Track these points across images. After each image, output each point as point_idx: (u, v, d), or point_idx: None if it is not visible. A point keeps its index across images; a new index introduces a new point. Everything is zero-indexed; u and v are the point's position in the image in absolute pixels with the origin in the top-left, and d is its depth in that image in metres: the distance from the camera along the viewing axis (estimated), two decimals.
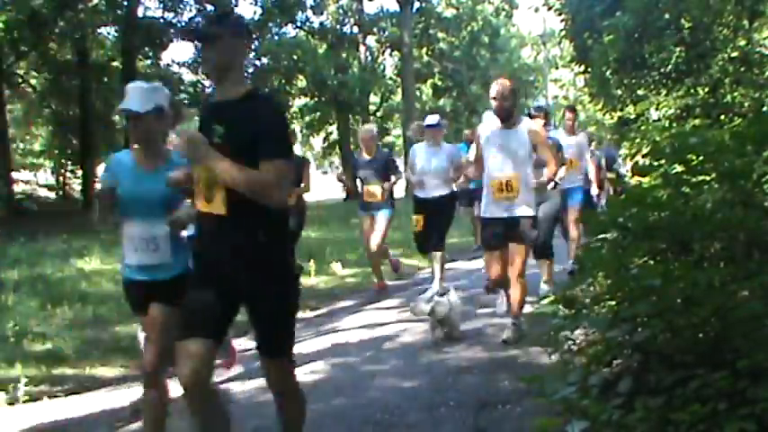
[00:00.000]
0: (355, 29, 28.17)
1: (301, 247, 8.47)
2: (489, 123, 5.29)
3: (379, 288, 7.67)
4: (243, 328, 6.21)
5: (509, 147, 5.04)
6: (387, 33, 28.77)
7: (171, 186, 2.95)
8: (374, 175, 7.28)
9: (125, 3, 20.96)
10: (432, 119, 7.39)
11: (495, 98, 5.02)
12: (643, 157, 5.84)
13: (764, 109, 7.71)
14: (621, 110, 10.71)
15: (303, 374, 4.72)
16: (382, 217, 7.35)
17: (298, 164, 7.23)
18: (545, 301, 4.56)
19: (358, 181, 7.63)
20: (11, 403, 4.28)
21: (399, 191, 9.86)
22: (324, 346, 5.47)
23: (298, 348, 5.41)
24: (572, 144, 7.56)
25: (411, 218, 7.33)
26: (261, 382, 4.58)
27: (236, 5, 23.82)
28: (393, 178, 7.39)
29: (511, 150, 5.03)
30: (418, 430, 3.62)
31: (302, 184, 7.02)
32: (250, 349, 5.51)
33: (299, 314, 6.68)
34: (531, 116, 6.49)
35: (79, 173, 22.89)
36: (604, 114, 14.00)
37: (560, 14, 12.89)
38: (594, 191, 8.62)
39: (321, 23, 27.27)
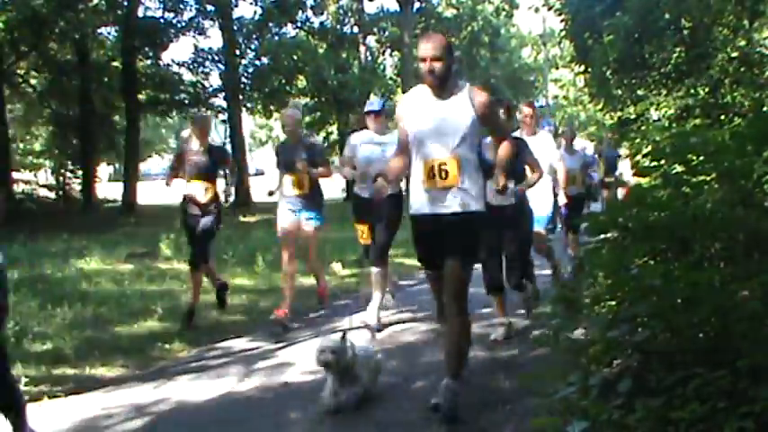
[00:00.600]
0: (355, 29, 28.17)
1: (301, 247, 8.47)
2: (416, 95, 3.89)
3: (280, 316, 5.99)
4: (241, 329, 6.25)
5: (444, 122, 3.74)
6: (387, 33, 28.80)
7: None
8: (296, 163, 6.01)
9: (125, 3, 20.97)
10: (374, 102, 6.25)
11: (423, 59, 3.72)
12: (643, 157, 5.75)
13: (764, 109, 7.71)
14: (621, 110, 10.73)
15: (303, 375, 4.73)
16: (310, 227, 6.18)
17: (220, 154, 6.45)
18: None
19: (275, 172, 6.41)
20: None
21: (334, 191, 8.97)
22: None
23: (298, 349, 5.44)
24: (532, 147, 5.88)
25: (356, 227, 6.29)
26: (260, 381, 4.61)
27: (236, 5, 23.85)
28: (321, 169, 6.16)
29: (447, 126, 3.74)
30: (418, 430, 3.61)
31: (229, 180, 6.43)
32: (250, 349, 5.52)
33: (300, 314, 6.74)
34: None
35: (79, 173, 22.90)
36: (604, 114, 14.03)
37: (560, 14, 12.93)
38: (562, 200, 7.47)
39: (321, 23, 27.29)
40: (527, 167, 5.38)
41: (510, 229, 5.33)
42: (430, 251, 3.90)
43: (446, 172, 3.74)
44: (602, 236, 3.15)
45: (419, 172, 3.83)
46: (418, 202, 3.87)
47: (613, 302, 2.94)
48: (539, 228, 6.24)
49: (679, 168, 3.17)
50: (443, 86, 3.76)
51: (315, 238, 6.33)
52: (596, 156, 13.42)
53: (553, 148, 6.78)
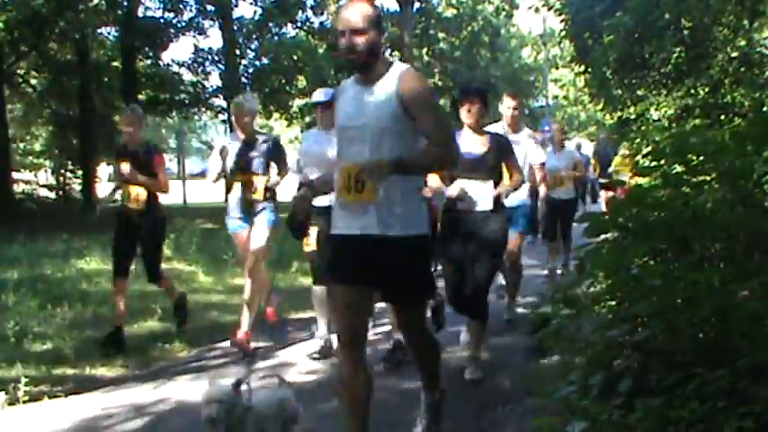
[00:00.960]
0: None
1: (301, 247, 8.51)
2: (346, 85, 3.15)
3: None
4: None
5: (363, 115, 2.94)
6: (387, 33, 28.78)
7: None
8: (251, 163, 5.25)
9: (125, 3, 20.96)
10: (321, 93, 5.05)
11: (341, 32, 2.92)
12: (643, 157, 5.70)
13: (764, 109, 7.71)
14: (621, 110, 10.73)
15: (303, 375, 4.73)
16: (262, 221, 5.27)
17: (147, 153, 5.59)
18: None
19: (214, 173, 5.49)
20: (11, 404, 4.28)
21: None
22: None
23: (298, 349, 5.44)
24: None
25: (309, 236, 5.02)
26: (260, 381, 4.61)
27: (236, 5, 23.83)
28: (275, 174, 5.35)
29: (366, 121, 2.93)
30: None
31: (160, 182, 5.53)
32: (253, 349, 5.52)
33: (299, 314, 6.75)
34: (458, 102, 4.58)
35: (79, 173, 22.90)
36: (604, 115, 14.04)
37: (560, 14, 12.92)
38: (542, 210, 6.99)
39: (321, 23, 27.27)
40: (505, 169, 4.59)
41: (479, 241, 4.40)
42: (346, 276, 2.99)
43: (362, 183, 2.87)
44: (602, 236, 3.15)
45: (338, 182, 3.01)
46: (337, 218, 3.05)
47: (613, 302, 2.94)
48: (513, 234, 5.34)
49: (679, 168, 3.16)
50: (369, 68, 2.93)
51: (263, 232, 5.26)
52: (589, 156, 13.45)
53: (534, 151, 5.99)
